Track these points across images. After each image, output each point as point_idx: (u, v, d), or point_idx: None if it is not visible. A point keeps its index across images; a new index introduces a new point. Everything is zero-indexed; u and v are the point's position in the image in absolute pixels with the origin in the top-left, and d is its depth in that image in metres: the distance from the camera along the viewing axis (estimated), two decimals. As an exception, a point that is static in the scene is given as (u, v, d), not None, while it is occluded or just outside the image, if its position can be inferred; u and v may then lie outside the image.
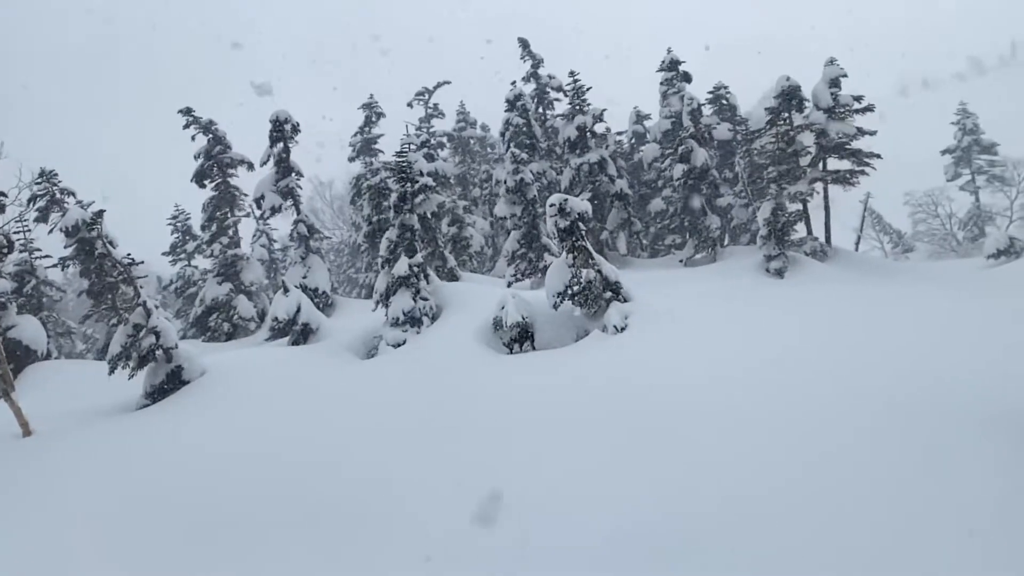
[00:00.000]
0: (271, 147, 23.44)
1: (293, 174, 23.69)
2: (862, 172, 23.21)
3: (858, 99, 22.71)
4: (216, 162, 26.10)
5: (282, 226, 27.79)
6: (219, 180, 26.40)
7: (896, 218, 44.23)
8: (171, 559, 5.91)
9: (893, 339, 10.67)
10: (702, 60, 32.46)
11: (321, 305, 22.07)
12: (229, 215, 26.69)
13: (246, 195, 26.64)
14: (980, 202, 40.61)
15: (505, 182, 22.88)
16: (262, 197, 23.85)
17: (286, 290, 17.00)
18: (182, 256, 30.39)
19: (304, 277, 22.83)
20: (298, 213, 24.05)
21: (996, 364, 8.07)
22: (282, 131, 23.11)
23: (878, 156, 22.78)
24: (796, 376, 8.32)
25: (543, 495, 5.87)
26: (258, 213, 25.69)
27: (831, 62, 23.13)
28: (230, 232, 26.62)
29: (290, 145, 23.43)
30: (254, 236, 30.29)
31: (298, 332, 16.49)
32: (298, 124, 23.19)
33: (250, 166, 26.12)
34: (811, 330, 11.65)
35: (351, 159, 32.03)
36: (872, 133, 22.80)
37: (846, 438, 6.16)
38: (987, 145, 39.31)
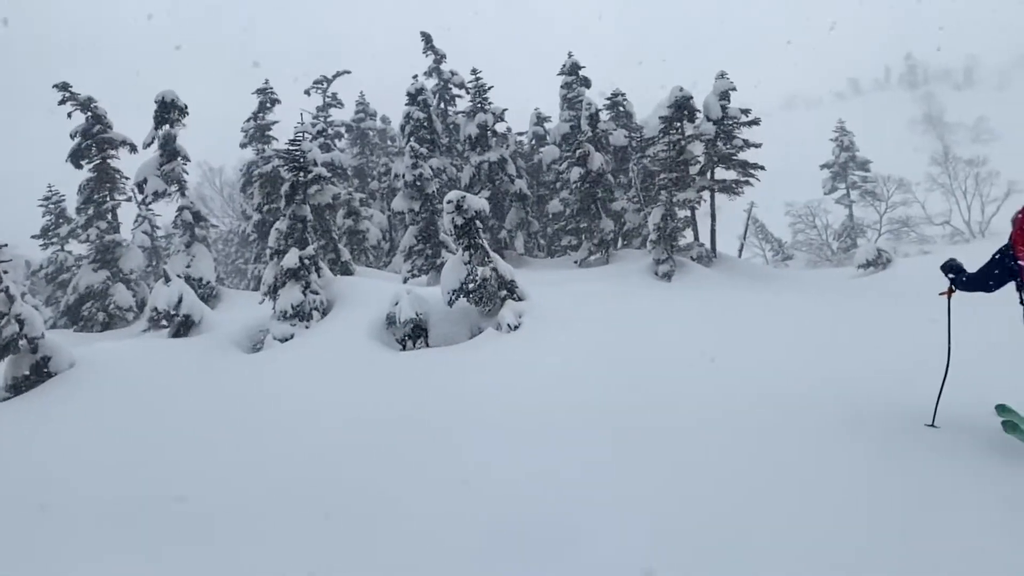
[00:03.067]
0: (156, 129, 22.27)
1: (179, 158, 22.58)
2: (747, 182, 24.37)
3: (745, 112, 23.81)
4: (95, 142, 24.56)
5: (166, 212, 26.52)
6: (98, 161, 24.86)
7: (777, 227, 46.67)
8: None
9: (771, 339, 11.34)
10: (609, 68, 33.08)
11: (205, 296, 21.18)
12: (108, 198, 25.19)
13: (127, 178, 25.24)
14: (853, 215, 43.40)
15: (404, 176, 22.66)
16: (144, 181, 22.62)
17: (167, 279, 16.20)
18: (54, 240, 28.45)
19: (188, 266, 21.82)
20: (183, 199, 22.97)
21: (867, 365, 8.65)
22: (168, 113, 21.99)
23: (762, 168, 23.98)
24: (678, 374, 8.62)
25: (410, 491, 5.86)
26: (140, 197, 24.35)
27: (722, 75, 24.13)
28: (109, 216, 25.14)
29: (176, 128, 22.33)
30: (135, 222, 28.71)
31: (179, 324, 15.74)
32: (186, 106, 22.12)
33: (133, 148, 24.75)
34: (694, 331, 12.13)
35: (243, 145, 30.89)
36: (757, 145, 23.96)
37: (724, 435, 6.43)
38: (861, 162, 42.07)
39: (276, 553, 5.09)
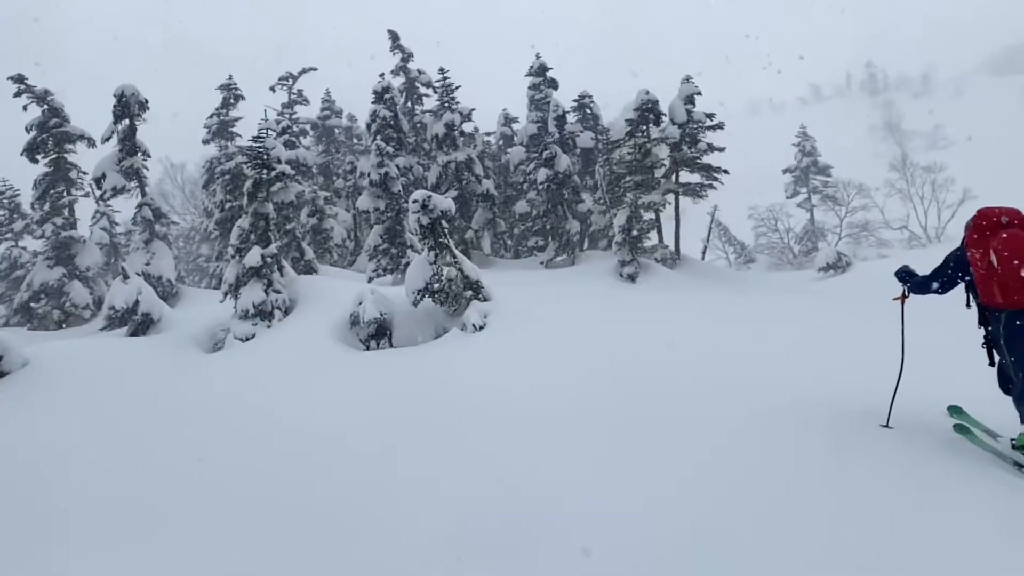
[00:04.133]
0: (115, 124, 21.81)
1: (139, 154, 22.15)
2: (711, 186, 24.67)
3: (710, 116, 24.09)
4: (52, 135, 23.97)
5: (125, 208, 25.93)
6: (55, 155, 24.25)
7: (740, 230, 47.32)
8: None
9: (730, 340, 11.52)
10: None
11: (165, 294, 20.80)
12: (65, 193, 24.59)
13: (85, 173, 24.68)
14: (814, 219, 44.19)
15: (369, 175, 22.51)
16: (103, 176, 22.14)
17: (126, 277, 15.87)
18: (8, 235, 27.73)
19: (147, 264, 21.42)
20: (143, 195, 22.52)
21: (825, 366, 8.81)
22: (128, 107, 21.54)
23: (726, 171, 24.29)
24: (640, 373, 8.68)
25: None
26: (98, 193, 23.82)
27: (687, 79, 24.39)
28: (65, 212, 24.55)
29: (137, 123, 21.89)
30: (93, 218, 28.11)
31: (137, 322, 15.43)
32: (147, 101, 21.69)
33: (91, 142, 24.21)
34: (656, 331, 12.25)
35: (205, 141, 30.42)
36: (721, 149, 24.27)
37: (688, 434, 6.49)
38: (823, 167, 42.83)
39: (232, 554, 5.02)
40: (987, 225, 5.42)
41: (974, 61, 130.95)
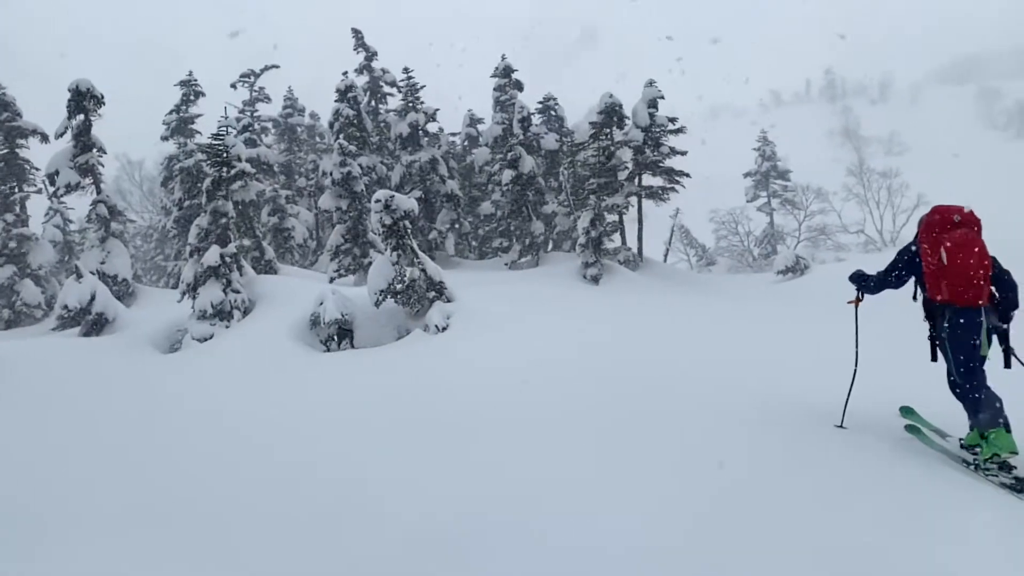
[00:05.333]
0: (69, 119, 21.25)
1: (95, 150, 21.61)
2: (673, 189, 24.93)
3: (672, 120, 24.35)
4: (2, 130, 23.34)
5: (80, 205, 25.29)
6: (5, 151, 23.62)
7: (702, 233, 47.87)
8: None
9: (690, 340, 11.68)
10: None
11: (121, 294, 20.34)
12: (16, 190, 23.97)
13: (38, 169, 24.09)
14: (774, 222, 44.91)
15: (331, 174, 22.29)
16: (56, 172, 21.54)
17: (79, 275, 15.51)
18: (-44, 232, 26.86)
19: (102, 262, 20.92)
20: (98, 192, 22.00)
21: (781, 367, 8.96)
22: (83, 102, 21.02)
23: (687, 175, 24.57)
24: (601, 374, 8.73)
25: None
26: (51, 190, 23.22)
27: (650, 83, 24.62)
28: (17, 209, 23.92)
29: (92, 118, 21.37)
30: (46, 215, 27.38)
31: (91, 322, 15.08)
32: (102, 96, 21.18)
33: (44, 138, 23.65)
34: (618, 331, 12.35)
35: (164, 138, 29.83)
36: (683, 153, 24.54)
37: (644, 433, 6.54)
38: (782, 171, 43.59)
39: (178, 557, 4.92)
40: (940, 223, 5.56)
41: (928, 70, 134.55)
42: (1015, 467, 5.18)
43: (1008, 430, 5.23)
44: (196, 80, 29.82)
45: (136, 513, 5.69)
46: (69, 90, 20.98)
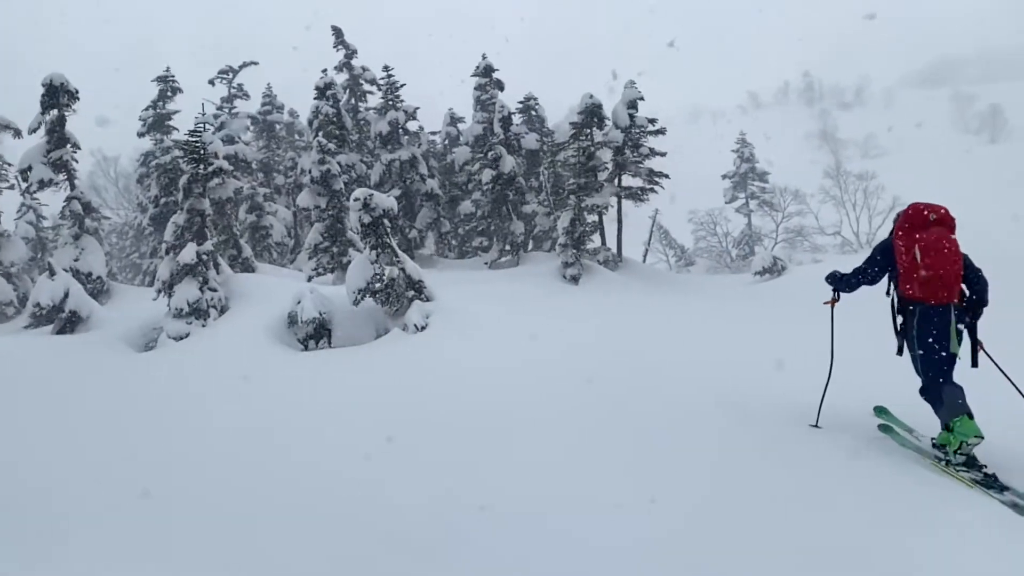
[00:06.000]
0: (43, 114, 20.90)
1: (69, 145, 21.27)
2: (652, 190, 25.02)
3: (652, 121, 24.41)
4: (-27, 125, 22.88)
5: (54, 202, 24.87)
6: (-24, 145, 23.24)
7: (680, 234, 48.12)
8: None
9: (669, 340, 11.77)
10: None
11: (95, 291, 20.06)
12: (-12, 185, 23.59)
13: (10, 164, 23.67)
14: (752, 224, 45.26)
15: (310, 172, 22.14)
16: (29, 168, 21.16)
17: (52, 273, 15.28)
18: (-75, 228, 26.34)
19: (76, 260, 20.61)
20: (72, 188, 21.67)
21: (758, 367, 9.03)
22: (57, 97, 20.69)
23: (667, 176, 24.67)
24: (581, 373, 8.74)
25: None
26: (24, 186, 22.84)
27: (631, 84, 24.67)
28: (-12, 205, 23.50)
29: (66, 113, 21.04)
30: (19, 211, 26.92)
31: (64, 320, 14.86)
32: (76, 91, 20.87)
33: (17, 133, 23.18)
34: (596, 331, 12.39)
35: (140, 135, 29.46)
36: (663, 154, 24.63)
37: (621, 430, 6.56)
38: (760, 173, 43.90)
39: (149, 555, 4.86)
40: (916, 221, 5.65)
41: (903, 74, 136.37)
42: (985, 465, 5.26)
43: (971, 417, 5.29)
44: (173, 76, 29.49)
45: (111, 512, 5.61)
46: (43, 84, 20.65)
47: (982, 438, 5.21)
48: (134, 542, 5.10)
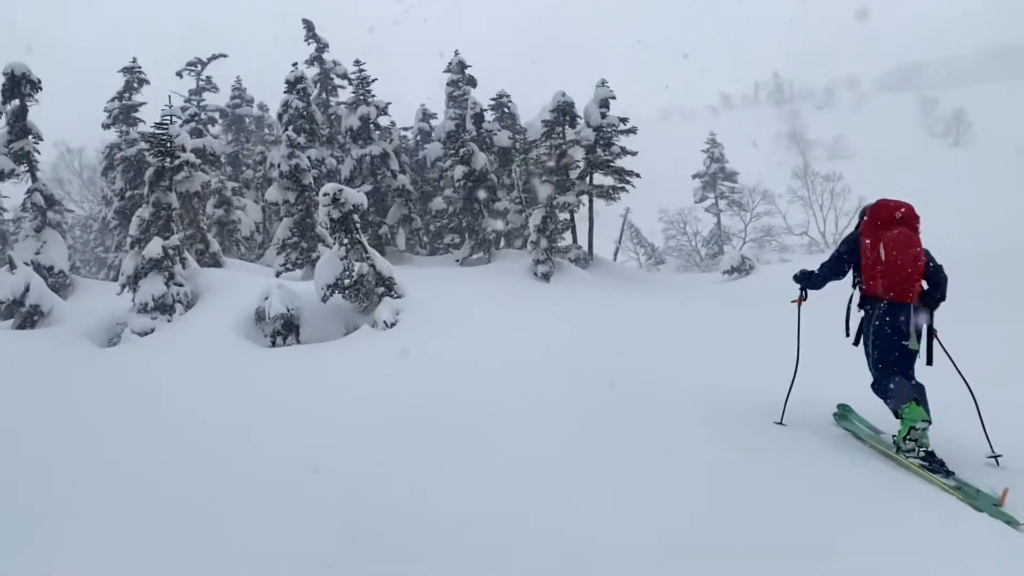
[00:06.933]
0: (3, 104, 20.42)
1: (30, 136, 20.80)
2: (623, 189, 25.15)
3: (624, 120, 24.53)
4: (-70, 113, 22.28)
5: (15, 194, 24.30)
6: (-66, 135, 22.57)
7: (651, 233, 48.45)
8: None
9: (639, 337, 11.85)
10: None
11: (58, 285, 19.64)
12: (-54, 175, 22.91)
13: (-31, 155, 23.04)
14: (721, 223, 45.72)
15: (279, 166, 21.88)
16: (-11, 158, 20.72)
17: (13, 266, 14.95)
18: None
19: (38, 253, 20.15)
20: (34, 180, 21.20)
21: (725, 365, 9.13)
22: (18, 87, 20.22)
23: (638, 175, 24.81)
24: (550, 372, 8.78)
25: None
26: (-17, 177, 22.28)
27: (602, 83, 24.76)
28: (-54, 196, 22.96)
29: (28, 103, 20.57)
30: (-21, 203, 26.32)
31: (24, 314, 14.55)
32: (39, 81, 20.40)
33: (-21, 124, 22.65)
34: (566, 328, 12.44)
35: (106, 126, 28.88)
36: (634, 153, 24.77)
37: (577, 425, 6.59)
38: (729, 173, 44.37)
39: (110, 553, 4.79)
40: (882, 218, 5.76)
41: (873, 77, 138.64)
42: (932, 450, 5.41)
43: (918, 403, 5.46)
44: (140, 67, 28.96)
45: (75, 509, 5.52)
46: (4, 74, 20.16)
47: (929, 422, 5.40)
48: (100, 539, 5.02)
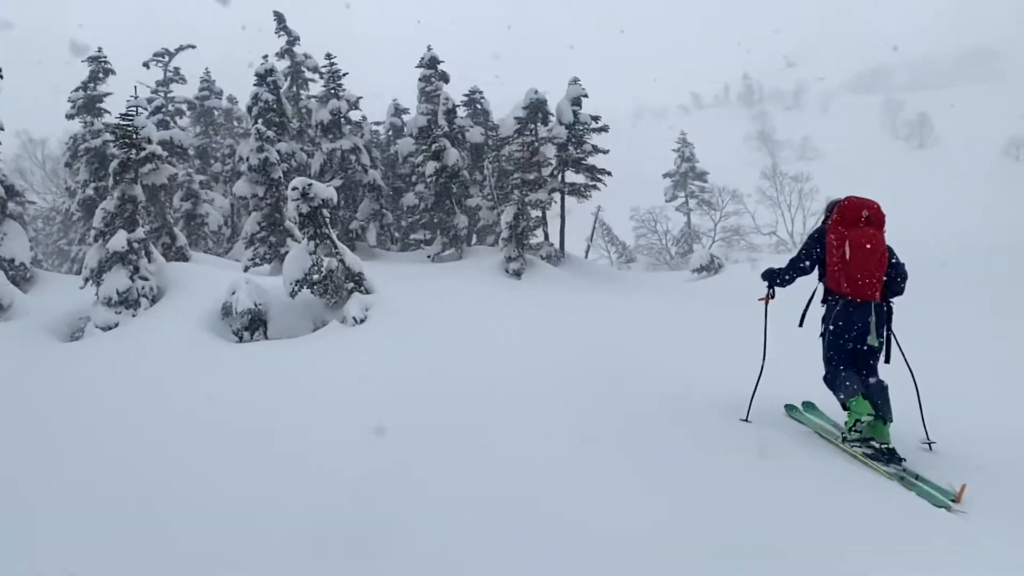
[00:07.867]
0: (-37, 92, 19.92)
1: (-10, 127, 20.33)
2: (595, 187, 25.28)
3: (596, 119, 24.64)
4: None
5: (-26, 185, 23.71)
6: None
7: (622, 231, 48.73)
8: None
9: (607, 334, 11.94)
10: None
11: (18, 279, 19.18)
12: (-98, 166, 22.31)
13: (-74, 145, 22.45)
14: (691, 222, 46.13)
15: (248, 160, 21.62)
16: (-53, 148, 20.19)
17: (-29, 259, 14.60)
18: None
19: (-2, 245, 19.71)
20: (-5, 171, 20.71)
21: (693, 362, 9.22)
22: (-22, 74, 19.70)
23: (609, 173, 24.95)
24: (519, 369, 8.79)
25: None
26: (-59, 166, 21.72)
27: (575, 81, 24.85)
28: (-98, 186, 22.26)
29: (-11, 93, 20.07)
30: (-64, 193, 25.59)
31: (-17, 309, 14.22)
32: (0, 69, 19.92)
33: (-63, 113, 22.05)
34: (537, 326, 12.46)
35: (69, 117, 28.24)
36: (605, 151, 24.90)
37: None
38: (700, 172, 44.80)
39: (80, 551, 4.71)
40: (849, 216, 5.88)
41: (840, 80, 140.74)
42: (875, 443, 5.63)
43: (865, 397, 5.69)
44: (105, 57, 28.36)
45: (48, 507, 5.42)
46: (-37, 62, 19.65)
47: (873, 415, 5.64)
48: (75, 538, 4.94)
